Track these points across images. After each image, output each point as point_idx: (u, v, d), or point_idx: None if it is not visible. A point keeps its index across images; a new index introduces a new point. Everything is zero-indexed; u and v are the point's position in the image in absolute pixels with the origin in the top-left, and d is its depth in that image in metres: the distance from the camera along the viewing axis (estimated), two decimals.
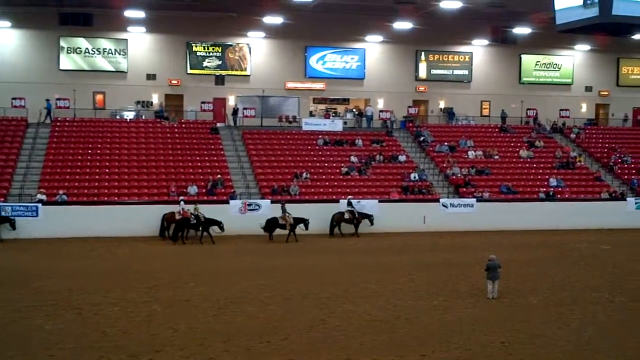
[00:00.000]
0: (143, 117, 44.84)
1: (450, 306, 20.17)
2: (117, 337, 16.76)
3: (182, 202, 33.04)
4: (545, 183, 40.82)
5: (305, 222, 33.60)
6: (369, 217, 35.12)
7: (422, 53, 50.81)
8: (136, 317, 18.58)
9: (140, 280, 23.18)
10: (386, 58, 50.27)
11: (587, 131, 48.82)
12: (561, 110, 49.04)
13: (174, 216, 32.66)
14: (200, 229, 32.52)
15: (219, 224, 32.48)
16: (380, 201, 36.33)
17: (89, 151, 38.65)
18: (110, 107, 45.00)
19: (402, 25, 45.81)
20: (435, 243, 32.94)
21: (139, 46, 46.41)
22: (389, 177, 39.79)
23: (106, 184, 36.20)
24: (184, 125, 42.72)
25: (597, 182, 42.06)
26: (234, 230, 32.94)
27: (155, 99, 46.56)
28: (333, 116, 47.79)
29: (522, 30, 48.29)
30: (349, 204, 35.20)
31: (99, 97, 45.66)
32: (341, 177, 39.22)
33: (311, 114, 48.86)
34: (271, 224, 33.10)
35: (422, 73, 51.00)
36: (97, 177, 36.64)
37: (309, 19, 45.58)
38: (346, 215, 34.83)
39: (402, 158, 41.59)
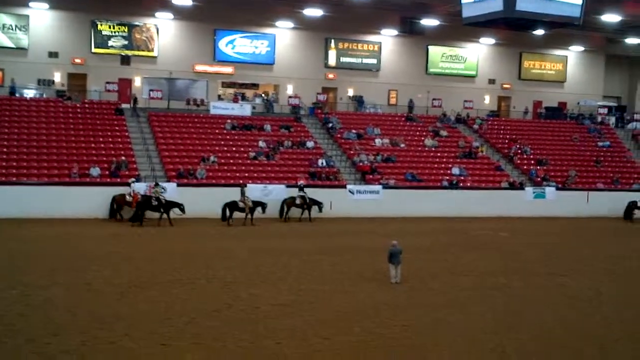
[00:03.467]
0: (44, 96, 43.28)
1: (354, 290, 20.38)
2: (14, 321, 16.17)
3: (133, 184, 32.81)
4: (449, 172, 41.82)
5: (263, 205, 33.90)
6: (319, 204, 35.49)
7: (332, 41, 51.12)
8: (34, 301, 17.97)
9: (40, 264, 22.43)
10: (296, 44, 50.31)
11: (490, 122, 50.26)
12: (465, 101, 50.34)
13: (124, 198, 32.57)
14: (162, 210, 32.18)
15: (179, 206, 32.32)
16: (287, 186, 36.37)
17: None
18: (9, 85, 43.21)
19: (313, 12, 45.91)
20: (341, 228, 33.25)
21: (41, 23, 44.86)
22: (296, 162, 39.88)
23: (4, 164, 34.76)
24: (87, 106, 41.49)
25: (497, 171, 43.39)
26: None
27: (58, 77, 45.06)
28: (242, 101, 47.45)
29: (429, 22, 49.18)
30: (301, 189, 35.43)
31: None
32: (249, 161, 39.03)
33: (220, 98, 48.39)
34: (230, 207, 33.07)
35: (332, 61, 51.32)
36: None
37: (219, 2, 45.06)
38: (297, 201, 35.19)
39: (310, 144, 41.73)
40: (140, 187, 33.74)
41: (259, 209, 34.01)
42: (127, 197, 32.84)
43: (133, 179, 33.91)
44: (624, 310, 19.56)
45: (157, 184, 33.38)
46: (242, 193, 33.67)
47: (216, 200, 33.61)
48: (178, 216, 32.42)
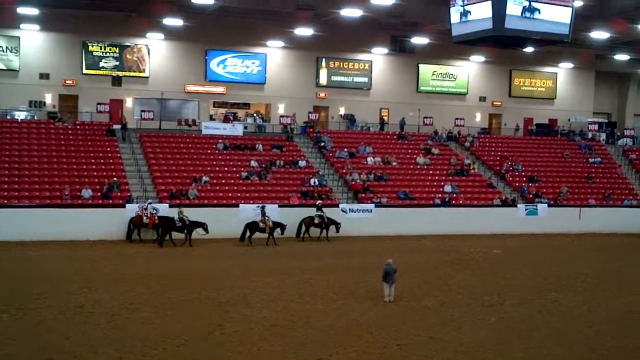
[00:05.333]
0: (35, 118, 43.21)
1: (348, 310, 20.34)
2: (5, 345, 16.04)
3: (149, 206, 33.10)
4: (441, 189, 41.87)
5: (282, 226, 34.06)
6: (336, 224, 35.77)
7: (323, 60, 51.32)
8: (25, 324, 17.84)
9: (30, 286, 22.29)
10: (287, 64, 50.49)
11: (481, 140, 50.39)
12: (456, 119, 50.40)
13: (141, 219, 32.74)
14: (185, 231, 32.45)
15: (203, 225, 32.57)
16: (279, 206, 36.33)
17: None
18: (0, 107, 43.15)
19: (303, 31, 46.07)
20: (334, 248, 33.22)
21: (32, 44, 44.91)
22: (289, 182, 39.85)
23: None
24: (78, 127, 41.41)
25: (489, 188, 43.45)
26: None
27: (49, 99, 45.05)
28: (233, 121, 47.44)
29: (420, 40, 49.40)
30: (319, 208, 35.66)
31: None
32: (241, 181, 38.99)
33: (211, 118, 48.41)
34: (251, 228, 33.28)
35: (323, 79, 51.50)
36: None
37: (210, 22, 45.19)
38: (316, 220, 35.42)
39: (302, 163, 41.75)
40: (133, 209, 33.69)
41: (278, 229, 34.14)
42: (144, 218, 32.95)
43: (150, 201, 34.07)
44: (616, 326, 19.58)
45: (180, 205, 33.72)
46: (263, 214, 33.90)
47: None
48: (201, 236, 32.65)
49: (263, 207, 34.33)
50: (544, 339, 17.92)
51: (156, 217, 32.95)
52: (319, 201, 36.71)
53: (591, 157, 49.68)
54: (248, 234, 33.26)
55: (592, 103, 59.46)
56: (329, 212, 36.00)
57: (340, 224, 35.99)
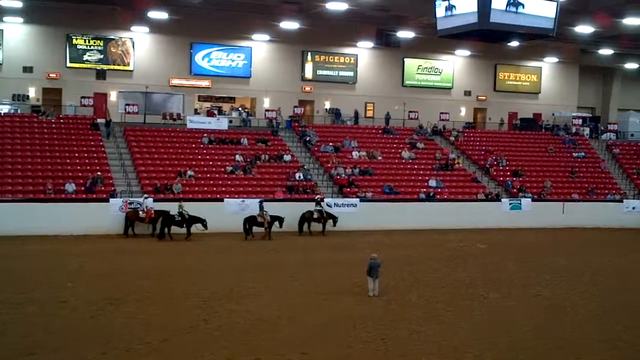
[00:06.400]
0: (19, 111, 42.87)
1: (332, 304, 20.37)
2: None
3: (146, 200, 33.23)
4: (426, 184, 41.96)
5: (280, 220, 34.31)
6: (334, 218, 36.14)
7: (309, 53, 51.19)
8: (9, 319, 17.74)
9: (14, 281, 22.16)
10: (273, 57, 50.34)
11: (466, 134, 50.54)
12: (441, 113, 50.50)
13: (137, 214, 32.84)
14: (185, 226, 32.63)
15: (202, 221, 32.81)
16: (264, 200, 36.29)
17: None
18: None
19: (289, 25, 45.94)
20: (318, 242, 33.24)
21: (15, 37, 44.47)
22: (274, 176, 39.81)
23: None
24: (62, 121, 41.15)
25: (474, 183, 43.59)
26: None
27: (33, 92, 44.72)
28: (218, 115, 47.27)
29: (405, 35, 49.39)
30: (318, 203, 36.04)
31: None
32: (226, 175, 38.91)
33: (196, 112, 48.23)
34: (249, 222, 33.48)
35: (308, 73, 51.38)
36: None
37: (195, 16, 44.93)
38: (315, 215, 35.73)
39: (287, 157, 41.70)
40: (117, 203, 33.59)
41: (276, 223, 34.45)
42: (141, 213, 33.05)
43: (146, 195, 34.05)
44: (599, 320, 19.74)
45: (180, 200, 33.80)
46: (261, 208, 34.04)
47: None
48: (200, 231, 32.88)
49: (261, 202, 34.53)
50: (528, 333, 18.03)
51: (153, 212, 33.05)
52: (318, 195, 37.05)
53: (575, 151, 49.94)
54: (248, 229, 33.50)
55: (577, 98, 59.70)
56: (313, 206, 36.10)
57: (337, 218, 36.23)
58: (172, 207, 33.18)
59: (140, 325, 17.60)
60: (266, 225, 33.78)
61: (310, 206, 36.19)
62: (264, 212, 33.98)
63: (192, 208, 33.48)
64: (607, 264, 29.62)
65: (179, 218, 32.77)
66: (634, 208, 43.84)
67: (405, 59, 53.85)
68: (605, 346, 17.30)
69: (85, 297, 20.30)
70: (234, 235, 33.34)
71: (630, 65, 58.45)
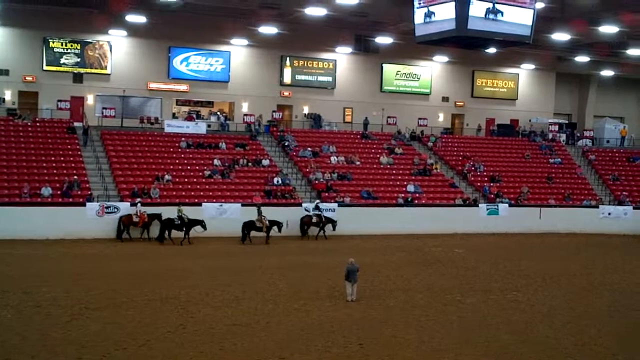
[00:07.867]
0: None
1: (310, 309, 20.34)
2: None
3: (139, 205, 33.31)
4: (404, 189, 42.07)
5: (279, 224, 34.44)
6: (333, 222, 36.38)
7: (287, 58, 51.19)
8: None
9: None
10: (251, 62, 50.27)
11: (443, 140, 50.72)
12: (419, 118, 50.65)
13: (131, 218, 33.03)
14: (184, 229, 32.87)
15: (201, 223, 33.06)
16: (243, 205, 36.20)
17: None
18: None
19: (268, 30, 45.89)
20: (297, 246, 33.20)
21: None
22: (252, 181, 39.71)
23: None
24: (38, 124, 40.77)
25: (451, 188, 43.77)
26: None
27: (8, 95, 44.27)
28: (196, 119, 47.08)
29: (384, 40, 49.52)
30: (317, 207, 36.48)
31: None
32: (204, 180, 38.76)
33: (174, 116, 48.03)
34: (248, 227, 33.60)
35: (287, 78, 51.37)
36: None
37: (173, 19, 44.71)
38: (314, 219, 36.07)
39: (265, 162, 41.62)
40: (93, 208, 33.36)
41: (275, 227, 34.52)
42: (134, 217, 33.14)
43: (139, 200, 34.06)
44: (575, 324, 19.87)
45: (179, 204, 34.17)
46: (259, 212, 34.06)
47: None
48: (199, 234, 33.06)
49: (259, 207, 34.61)
50: (506, 338, 18.11)
51: (146, 216, 33.19)
52: (317, 200, 37.43)
53: (551, 157, 50.33)
54: (246, 234, 33.59)
55: (553, 104, 60.21)
56: (292, 212, 36.07)
57: (336, 222, 36.46)
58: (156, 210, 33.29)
59: (117, 330, 17.46)
60: (265, 229, 33.87)
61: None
62: (263, 217, 33.99)
63: (190, 211, 33.79)
64: (583, 268, 29.85)
65: (179, 222, 33.04)
66: (609, 214, 44.17)
67: (384, 65, 54.00)
68: (582, 350, 17.42)
69: (61, 302, 20.11)
70: (231, 239, 33.44)
71: (606, 73, 59.01)
